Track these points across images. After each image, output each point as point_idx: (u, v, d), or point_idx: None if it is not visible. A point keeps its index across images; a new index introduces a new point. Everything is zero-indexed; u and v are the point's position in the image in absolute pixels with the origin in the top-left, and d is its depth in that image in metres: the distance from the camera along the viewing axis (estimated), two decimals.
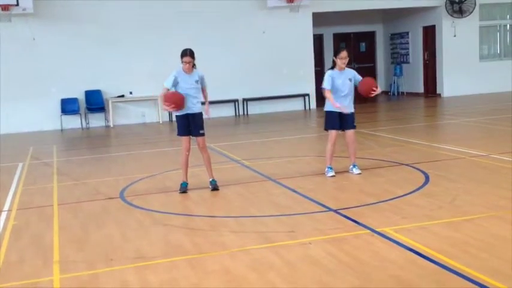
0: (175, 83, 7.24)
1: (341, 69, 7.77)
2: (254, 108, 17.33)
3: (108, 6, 15.94)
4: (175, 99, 7.14)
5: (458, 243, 4.87)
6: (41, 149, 12.29)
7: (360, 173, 7.83)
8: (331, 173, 7.82)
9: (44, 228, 6.17)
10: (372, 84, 7.84)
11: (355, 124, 7.92)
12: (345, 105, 7.69)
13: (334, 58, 7.81)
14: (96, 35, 15.93)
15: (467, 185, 6.97)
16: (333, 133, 7.85)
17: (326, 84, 7.70)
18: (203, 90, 7.51)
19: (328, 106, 7.82)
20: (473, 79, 18.79)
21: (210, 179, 7.48)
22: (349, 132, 7.88)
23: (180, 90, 7.23)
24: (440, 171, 7.78)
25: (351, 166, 7.95)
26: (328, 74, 7.77)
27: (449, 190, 6.72)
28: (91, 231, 5.95)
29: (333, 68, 7.81)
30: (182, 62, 7.27)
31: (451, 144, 9.85)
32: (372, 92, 7.73)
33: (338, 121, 7.82)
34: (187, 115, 7.29)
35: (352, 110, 7.88)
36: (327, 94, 7.72)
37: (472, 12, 18.45)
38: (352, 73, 7.89)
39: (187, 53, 7.29)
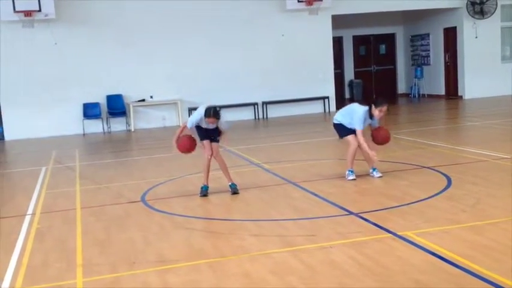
0: (196, 123, 7.31)
1: (373, 117, 7.69)
2: (273, 112, 17.33)
3: (128, 11, 16.09)
4: (185, 147, 7.39)
5: (481, 247, 4.82)
6: (64, 153, 12.44)
7: (380, 176, 7.79)
8: (352, 177, 7.79)
9: (67, 231, 6.25)
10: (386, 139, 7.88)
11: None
12: None
13: (372, 105, 7.63)
14: (117, 40, 16.09)
15: (490, 188, 6.89)
16: (350, 138, 7.81)
17: (359, 125, 7.62)
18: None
19: (337, 120, 7.90)
20: (495, 81, 18.56)
21: (230, 183, 7.50)
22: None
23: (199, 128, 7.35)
24: (462, 174, 7.70)
25: (371, 170, 7.92)
26: (361, 115, 7.62)
27: (472, 193, 6.65)
28: (113, 234, 6.01)
29: (368, 109, 7.65)
30: (205, 120, 7.21)
31: (473, 146, 9.75)
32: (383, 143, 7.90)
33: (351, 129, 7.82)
34: (206, 129, 7.39)
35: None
36: (361, 137, 7.60)
37: (493, 13, 18.25)
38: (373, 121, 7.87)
39: (211, 115, 7.13)
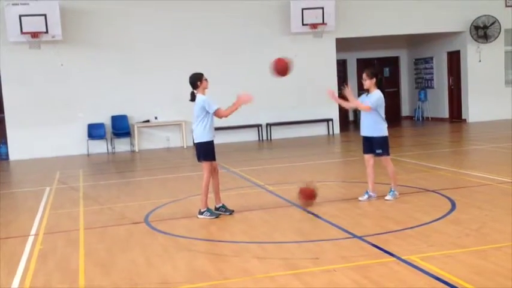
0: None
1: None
2: (277, 133, 17.37)
3: (134, 33, 16.25)
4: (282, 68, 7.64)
5: (486, 272, 4.79)
6: (68, 174, 12.46)
7: (388, 200, 7.75)
8: (361, 197, 7.79)
9: (70, 252, 6.23)
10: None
11: (376, 150, 7.78)
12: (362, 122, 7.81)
13: None
14: (122, 61, 16.22)
15: (494, 212, 6.86)
16: (364, 157, 7.86)
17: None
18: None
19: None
20: (498, 104, 18.60)
21: (220, 205, 7.50)
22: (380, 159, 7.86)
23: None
24: (467, 198, 7.68)
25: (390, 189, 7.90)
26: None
27: (477, 217, 6.63)
28: (116, 255, 6.00)
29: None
30: (205, 79, 7.78)
31: (477, 170, 9.73)
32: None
33: (364, 145, 7.85)
34: (213, 141, 7.49)
35: (368, 134, 7.79)
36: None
37: (497, 37, 18.35)
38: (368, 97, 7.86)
39: (203, 74, 7.87)
